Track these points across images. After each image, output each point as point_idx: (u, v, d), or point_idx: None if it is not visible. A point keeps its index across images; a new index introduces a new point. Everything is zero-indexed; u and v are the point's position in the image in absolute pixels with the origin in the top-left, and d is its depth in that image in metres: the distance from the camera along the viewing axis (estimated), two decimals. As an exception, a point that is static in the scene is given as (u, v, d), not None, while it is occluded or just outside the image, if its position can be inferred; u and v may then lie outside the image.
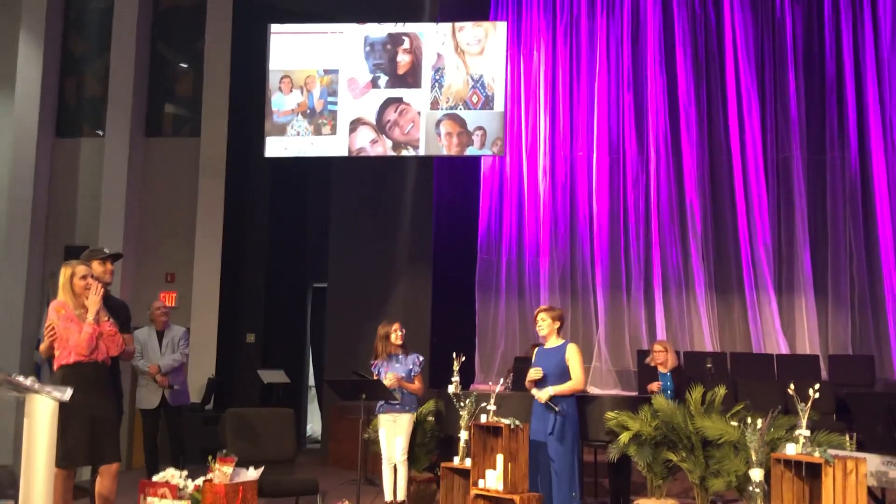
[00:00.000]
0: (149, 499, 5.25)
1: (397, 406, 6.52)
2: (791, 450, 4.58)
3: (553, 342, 5.95)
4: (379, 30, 9.82)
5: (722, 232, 10.37)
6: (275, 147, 9.88)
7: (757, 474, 4.75)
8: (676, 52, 10.55)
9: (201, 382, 10.44)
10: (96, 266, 5.30)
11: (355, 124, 9.76)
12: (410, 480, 6.77)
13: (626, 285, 10.42)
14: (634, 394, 8.69)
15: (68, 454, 4.71)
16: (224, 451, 5.47)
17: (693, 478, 5.81)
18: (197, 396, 10.05)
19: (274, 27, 10.00)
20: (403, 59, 9.76)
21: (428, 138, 9.63)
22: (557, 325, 5.96)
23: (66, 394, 3.98)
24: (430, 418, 7.27)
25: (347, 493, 7.02)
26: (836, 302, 9.94)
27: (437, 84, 9.68)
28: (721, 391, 5.95)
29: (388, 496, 6.53)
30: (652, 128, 10.57)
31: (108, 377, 5.04)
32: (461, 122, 9.61)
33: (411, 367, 6.62)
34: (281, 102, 9.89)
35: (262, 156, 10.02)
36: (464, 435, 5.78)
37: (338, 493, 7.25)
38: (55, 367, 4.96)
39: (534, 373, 5.84)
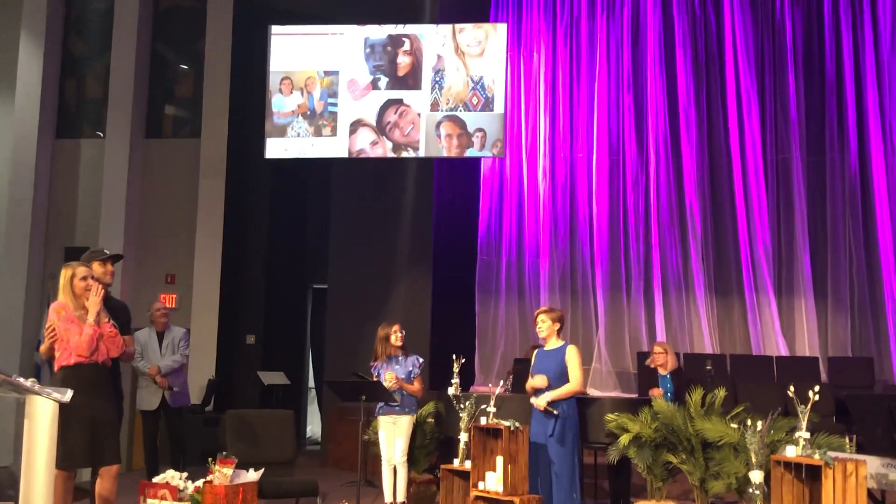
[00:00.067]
0: (149, 500, 5.26)
1: (397, 408, 6.52)
2: (791, 452, 4.58)
3: (553, 344, 5.95)
4: (379, 31, 9.83)
5: (721, 233, 10.37)
6: (275, 148, 9.88)
7: (757, 476, 4.75)
8: (676, 54, 10.55)
9: (201, 384, 10.45)
10: (97, 267, 5.30)
11: (355, 126, 9.77)
12: (410, 482, 6.77)
13: (626, 287, 10.42)
14: (634, 396, 8.69)
15: (68, 455, 4.71)
16: (224, 452, 5.48)
17: (693, 480, 5.81)
18: (197, 398, 10.05)
19: (274, 28, 10.01)
20: (404, 61, 9.77)
21: (428, 140, 9.64)
22: (557, 326, 5.96)
23: (67, 395, 3.97)
24: (430, 420, 7.27)
25: (347, 494, 7.03)
26: (836, 304, 9.94)
27: (437, 86, 9.68)
28: (721, 393, 5.95)
29: (388, 498, 6.53)
30: (652, 129, 10.57)
31: (108, 378, 5.04)
32: (461, 124, 9.62)
33: (411, 368, 6.62)
34: (281, 104, 9.90)
35: (263, 157, 10.02)
36: (464, 437, 5.78)
37: (337, 494, 7.26)
38: (55, 368, 4.96)
39: (539, 381, 5.82)
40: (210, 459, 5.34)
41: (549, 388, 5.78)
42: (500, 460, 5.45)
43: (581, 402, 6.10)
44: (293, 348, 11.99)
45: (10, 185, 11.27)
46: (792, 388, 4.72)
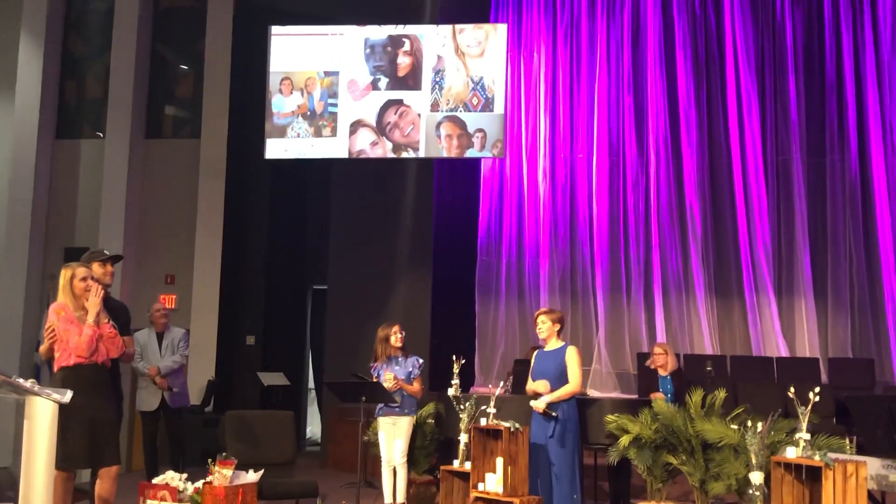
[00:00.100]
0: (148, 501, 5.25)
1: (397, 409, 6.51)
2: (791, 453, 4.58)
3: (553, 344, 5.95)
4: (379, 32, 9.83)
5: (722, 234, 10.37)
6: (275, 149, 9.88)
7: (757, 477, 4.75)
8: (676, 55, 10.55)
9: (201, 384, 10.44)
10: (96, 268, 5.30)
11: (355, 126, 9.77)
12: (410, 483, 6.77)
13: (626, 287, 10.42)
14: (634, 397, 8.68)
15: (68, 456, 4.70)
16: (224, 453, 5.48)
17: (693, 481, 5.80)
18: (197, 398, 10.05)
19: (274, 29, 10.00)
20: (404, 61, 9.76)
21: (428, 140, 9.64)
22: (557, 327, 5.96)
23: (66, 396, 3.97)
24: (430, 421, 7.26)
25: (347, 495, 7.03)
26: (836, 305, 9.94)
27: (437, 86, 9.68)
28: (721, 394, 5.95)
29: (388, 499, 6.53)
30: (652, 130, 10.57)
31: (108, 379, 5.04)
32: (461, 125, 9.62)
33: (411, 369, 6.62)
34: (281, 104, 9.90)
35: (263, 157, 10.02)
36: (463, 438, 5.78)
37: (337, 495, 7.25)
38: (55, 368, 4.96)
39: (542, 387, 5.81)
40: (210, 460, 5.34)
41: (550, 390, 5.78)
42: (500, 461, 5.45)
43: (581, 403, 6.10)
44: (293, 349, 11.98)
45: (9, 185, 11.26)
46: (792, 389, 4.71)
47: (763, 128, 10.34)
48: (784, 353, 9.88)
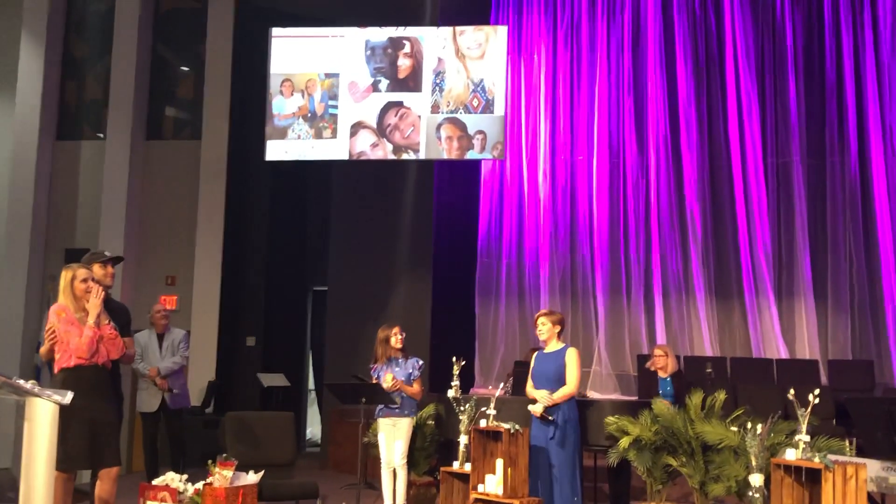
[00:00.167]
0: (148, 502, 5.25)
1: (397, 410, 6.51)
2: (791, 455, 4.58)
3: (553, 346, 5.96)
4: (380, 34, 9.84)
5: (722, 236, 10.37)
6: (275, 150, 9.89)
7: (757, 479, 4.75)
8: (677, 57, 10.56)
9: (201, 386, 10.44)
10: (97, 269, 5.30)
11: (356, 128, 9.78)
12: (410, 484, 6.77)
13: (626, 289, 10.42)
14: (634, 398, 8.68)
15: (68, 457, 4.71)
16: (224, 454, 5.47)
17: (693, 483, 5.80)
18: (197, 400, 10.05)
19: (275, 31, 10.01)
20: (404, 63, 9.77)
21: (428, 142, 9.64)
22: (557, 329, 5.96)
23: (67, 397, 3.97)
24: (430, 422, 7.27)
25: (347, 496, 7.04)
26: (836, 307, 9.94)
27: (437, 88, 9.69)
28: (721, 396, 5.95)
29: (388, 500, 6.53)
30: (652, 132, 10.58)
31: (108, 380, 5.04)
32: (462, 126, 9.62)
33: (411, 370, 6.62)
34: (282, 106, 9.90)
35: (263, 159, 10.03)
36: (463, 439, 5.78)
37: (337, 496, 7.26)
38: (55, 370, 4.96)
39: (542, 398, 5.80)
40: (210, 461, 5.34)
41: (548, 388, 5.78)
42: (499, 463, 5.45)
43: (581, 404, 6.10)
44: (293, 350, 11.98)
45: (10, 186, 11.25)
46: (792, 391, 4.71)
47: (763, 129, 10.35)
48: (784, 354, 9.88)
